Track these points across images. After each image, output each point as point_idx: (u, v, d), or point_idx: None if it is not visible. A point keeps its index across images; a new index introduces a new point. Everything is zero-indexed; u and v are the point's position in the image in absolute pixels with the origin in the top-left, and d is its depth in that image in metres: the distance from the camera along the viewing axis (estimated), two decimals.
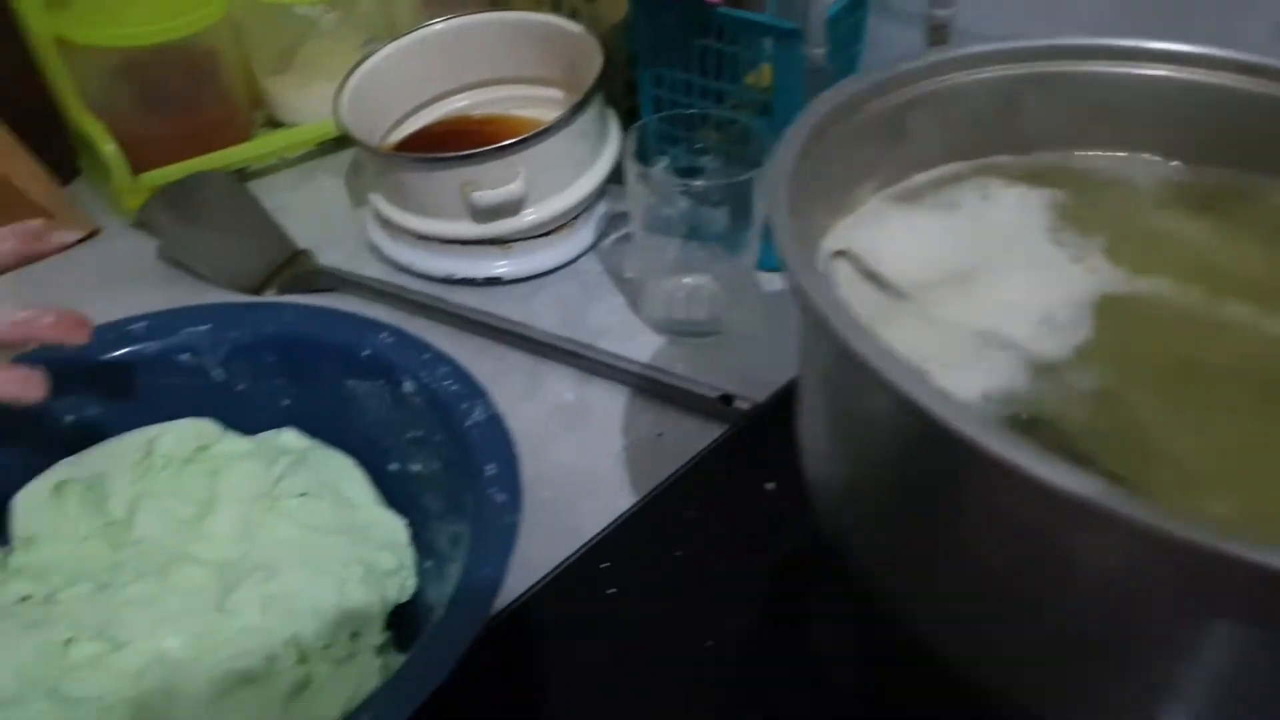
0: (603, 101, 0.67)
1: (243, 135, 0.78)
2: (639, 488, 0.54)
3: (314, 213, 0.75)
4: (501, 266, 0.67)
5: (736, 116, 0.61)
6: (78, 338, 0.44)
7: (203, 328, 0.51)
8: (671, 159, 0.61)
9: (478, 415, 0.45)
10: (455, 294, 0.66)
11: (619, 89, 0.71)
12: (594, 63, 0.66)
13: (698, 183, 0.55)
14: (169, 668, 0.41)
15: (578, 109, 0.63)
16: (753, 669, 0.44)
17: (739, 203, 0.57)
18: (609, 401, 0.59)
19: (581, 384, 0.60)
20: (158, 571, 0.44)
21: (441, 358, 0.49)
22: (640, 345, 0.62)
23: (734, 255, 0.60)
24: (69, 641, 0.41)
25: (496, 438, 0.44)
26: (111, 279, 0.70)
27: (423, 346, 0.49)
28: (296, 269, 0.68)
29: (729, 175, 0.57)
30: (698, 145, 0.61)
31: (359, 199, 0.77)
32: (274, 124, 0.83)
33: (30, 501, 0.47)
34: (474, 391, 0.47)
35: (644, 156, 0.58)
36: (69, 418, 0.49)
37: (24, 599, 0.44)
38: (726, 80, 0.62)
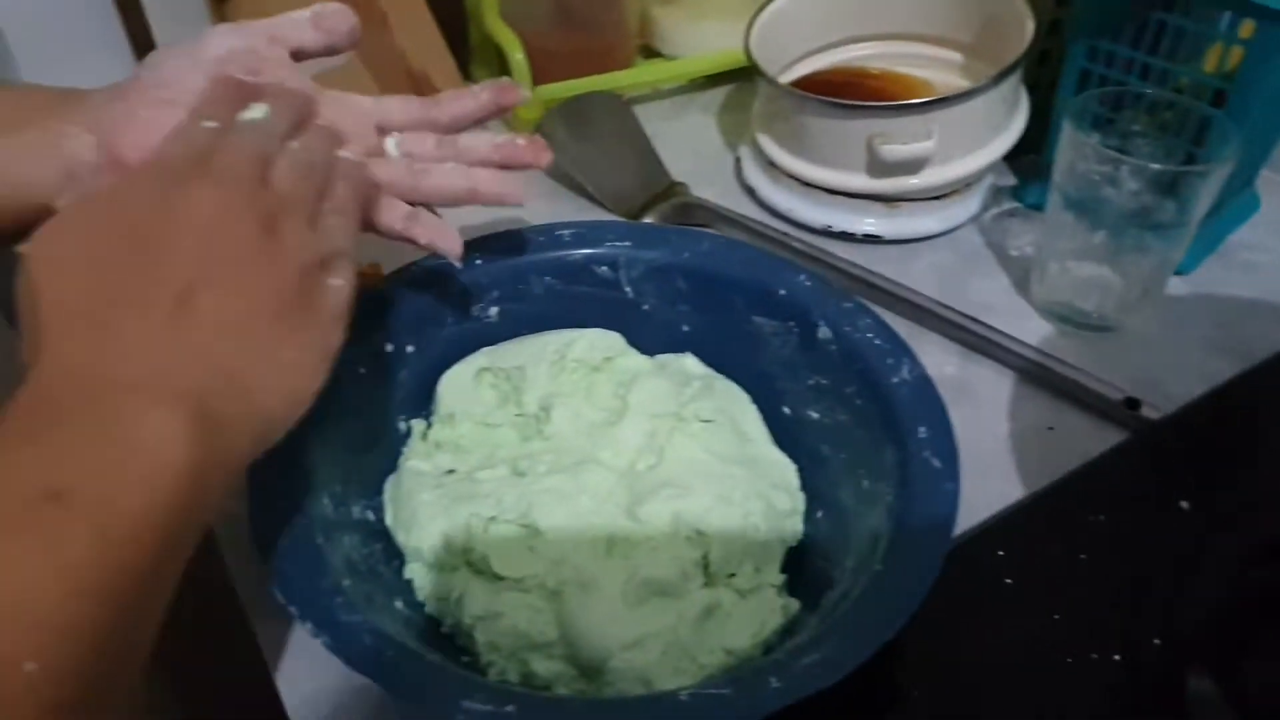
0: (1021, 71, 0.64)
1: (627, 61, 0.79)
2: (1028, 479, 0.51)
3: (685, 146, 0.76)
4: (883, 224, 0.65)
5: (1180, 101, 0.56)
6: (542, 159, 0.47)
7: (624, 244, 0.51)
8: (1100, 139, 0.57)
9: (905, 374, 0.44)
10: (828, 247, 0.64)
11: (1032, 59, 0.67)
12: (1021, 28, 0.62)
13: (1155, 165, 0.51)
14: (584, 562, 0.42)
15: (1004, 74, 0.60)
16: (1167, 698, 0.40)
17: (1183, 195, 0.52)
18: (994, 383, 0.56)
19: (964, 359, 0.58)
20: (569, 469, 0.45)
21: (864, 309, 0.47)
22: (1027, 329, 0.59)
23: (1157, 250, 0.55)
24: (492, 519, 0.43)
25: (928, 399, 0.43)
26: None
27: (843, 295, 0.48)
28: (674, 200, 0.69)
29: (1166, 164, 0.52)
30: (1134, 128, 0.57)
31: (731, 138, 0.77)
32: (648, 53, 0.84)
33: (454, 382, 0.49)
34: (900, 348, 0.45)
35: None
36: (493, 310, 0.51)
37: (449, 472, 0.47)
38: (1179, 60, 0.57)
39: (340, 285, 0.36)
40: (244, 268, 0.33)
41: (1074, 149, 0.53)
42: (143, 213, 0.33)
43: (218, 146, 0.36)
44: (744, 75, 0.82)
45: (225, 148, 0.36)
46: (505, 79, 0.48)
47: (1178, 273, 0.63)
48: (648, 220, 0.68)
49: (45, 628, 0.25)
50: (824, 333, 0.47)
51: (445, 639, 0.43)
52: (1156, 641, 0.42)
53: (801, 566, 0.45)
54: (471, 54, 0.80)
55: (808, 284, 0.49)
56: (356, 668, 0.34)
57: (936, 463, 0.40)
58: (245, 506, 0.40)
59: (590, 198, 0.70)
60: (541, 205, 0.70)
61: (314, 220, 0.36)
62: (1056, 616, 0.44)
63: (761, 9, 0.68)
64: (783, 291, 0.49)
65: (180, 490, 0.29)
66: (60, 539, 0.26)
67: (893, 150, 0.60)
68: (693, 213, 0.68)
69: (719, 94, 0.82)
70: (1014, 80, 0.62)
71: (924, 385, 0.43)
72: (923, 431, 0.41)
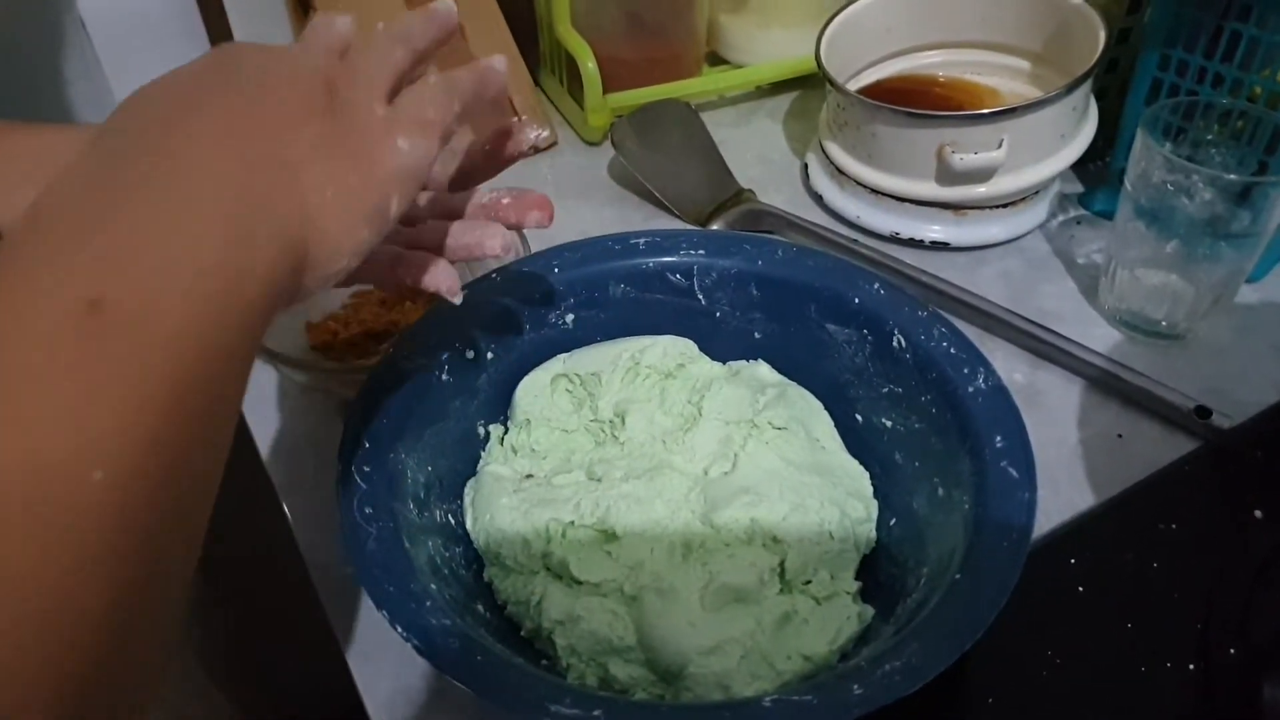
0: (1092, 79, 0.64)
1: (695, 69, 0.80)
2: (1098, 487, 0.51)
3: (751, 153, 0.77)
4: (951, 231, 0.65)
5: (1253, 110, 0.56)
6: (537, 220, 0.44)
7: (698, 252, 0.52)
8: (1172, 148, 0.57)
9: (981, 383, 0.44)
10: (896, 254, 0.65)
11: (1100, 67, 0.67)
12: (1092, 36, 0.62)
13: (1230, 175, 0.51)
14: (661, 567, 0.43)
15: (1076, 83, 0.60)
16: (1243, 708, 0.41)
17: (1256, 205, 0.52)
18: (1062, 390, 0.57)
19: (1032, 366, 0.58)
20: (644, 475, 0.46)
21: (939, 317, 0.48)
22: (1095, 337, 0.59)
23: (1229, 259, 0.55)
24: (570, 524, 0.44)
25: (1004, 409, 0.43)
26: (566, 191, 0.74)
27: (917, 303, 0.49)
28: (741, 206, 0.69)
29: (1238, 173, 0.52)
30: (1206, 137, 0.57)
31: (798, 145, 0.78)
32: (715, 60, 0.85)
33: (531, 388, 0.51)
34: (975, 357, 0.46)
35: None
36: (569, 317, 0.52)
37: (528, 476, 0.48)
38: (1252, 70, 0.57)
39: (406, 149, 0.35)
40: (294, 81, 0.34)
41: (1146, 158, 0.53)
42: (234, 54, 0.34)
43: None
44: (810, 82, 0.83)
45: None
46: (510, 122, 0.43)
47: (1248, 281, 0.62)
48: (716, 226, 0.69)
49: (106, 435, 0.25)
50: (898, 341, 0.48)
51: (524, 642, 0.44)
52: (1232, 651, 0.42)
53: (874, 574, 0.46)
54: (540, 61, 0.82)
55: (882, 292, 0.49)
56: (446, 671, 0.35)
57: (1013, 472, 0.41)
58: (332, 509, 0.41)
59: (659, 204, 0.71)
60: (610, 211, 0.72)
61: (392, 95, 0.36)
62: (1130, 625, 0.44)
63: (832, 17, 0.68)
64: (857, 300, 0.50)
65: (216, 299, 0.29)
66: (103, 350, 0.26)
67: (963, 159, 0.60)
68: (760, 219, 0.69)
69: (785, 101, 0.83)
70: (1084, 89, 0.62)
71: (1000, 394, 0.44)
72: (999, 440, 0.42)
